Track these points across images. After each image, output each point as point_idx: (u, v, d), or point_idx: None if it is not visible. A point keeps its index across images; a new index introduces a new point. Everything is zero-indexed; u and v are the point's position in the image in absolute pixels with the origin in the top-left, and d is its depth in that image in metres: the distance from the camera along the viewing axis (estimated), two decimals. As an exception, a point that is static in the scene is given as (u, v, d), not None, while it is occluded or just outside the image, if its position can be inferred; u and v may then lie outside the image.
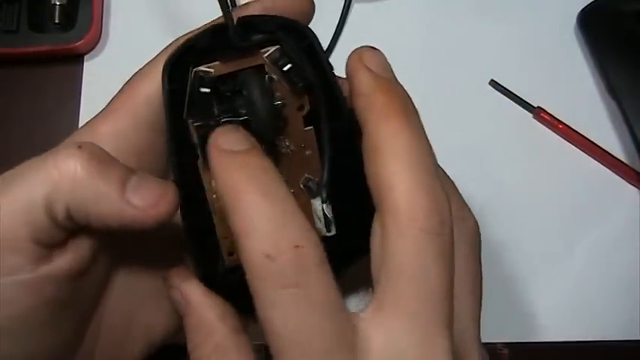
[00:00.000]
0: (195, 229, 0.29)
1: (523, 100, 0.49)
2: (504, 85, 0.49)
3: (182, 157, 0.28)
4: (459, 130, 0.49)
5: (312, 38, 0.28)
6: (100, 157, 0.26)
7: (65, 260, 0.27)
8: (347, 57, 0.27)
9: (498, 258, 0.47)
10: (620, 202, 0.48)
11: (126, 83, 0.30)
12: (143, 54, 0.30)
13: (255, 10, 0.29)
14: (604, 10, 0.49)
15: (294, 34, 0.27)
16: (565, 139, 0.49)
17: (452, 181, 0.33)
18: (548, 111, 0.49)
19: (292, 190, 0.27)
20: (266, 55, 0.27)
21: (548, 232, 0.47)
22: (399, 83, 0.27)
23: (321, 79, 0.27)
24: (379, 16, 0.51)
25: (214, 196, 0.28)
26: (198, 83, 0.27)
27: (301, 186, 0.29)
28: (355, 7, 0.51)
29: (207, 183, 0.28)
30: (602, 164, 0.49)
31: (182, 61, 0.27)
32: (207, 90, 0.27)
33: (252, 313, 0.30)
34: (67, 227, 0.26)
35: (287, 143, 0.28)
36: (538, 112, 0.49)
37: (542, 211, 0.48)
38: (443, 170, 0.28)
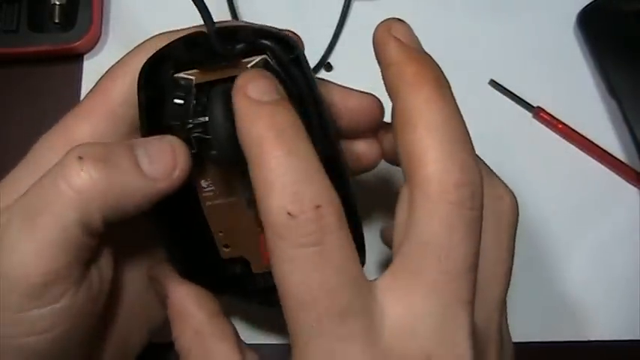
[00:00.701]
0: (181, 226, 0.29)
1: (523, 100, 0.49)
2: (504, 85, 0.49)
3: None
4: (458, 130, 0.49)
5: (299, 51, 0.26)
6: (102, 154, 0.26)
7: (96, 276, 0.27)
8: (378, 26, 0.28)
9: (498, 258, 0.47)
10: (619, 202, 0.48)
11: (98, 82, 0.29)
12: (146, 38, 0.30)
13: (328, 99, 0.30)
14: (604, 10, 0.49)
15: (280, 46, 0.26)
16: (565, 138, 0.49)
17: (485, 163, 0.32)
18: (548, 111, 0.49)
19: None
20: (250, 65, 0.26)
21: (548, 232, 0.47)
22: (429, 55, 0.27)
23: (306, 93, 0.26)
24: (379, 15, 0.51)
25: (207, 193, 0.29)
26: (175, 90, 0.26)
27: None
28: (355, 6, 0.51)
29: (200, 182, 0.28)
30: (602, 164, 0.49)
31: (160, 66, 0.26)
32: (181, 101, 0.26)
33: (253, 301, 0.31)
34: (102, 233, 0.26)
35: None
36: (538, 112, 0.49)
37: (542, 211, 0.48)
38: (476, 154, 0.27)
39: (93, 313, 0.27)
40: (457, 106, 0.25)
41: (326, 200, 0.23)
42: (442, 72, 0.26)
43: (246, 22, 0.27)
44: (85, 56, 0.49)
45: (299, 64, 0.26)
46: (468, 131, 0.26)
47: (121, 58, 0.29)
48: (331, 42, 0.50)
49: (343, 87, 0.32)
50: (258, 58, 0.26)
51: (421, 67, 0.25)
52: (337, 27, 0.50)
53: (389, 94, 0.26)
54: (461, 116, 0.25)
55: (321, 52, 0.50)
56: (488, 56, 0.50)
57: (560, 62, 0.50)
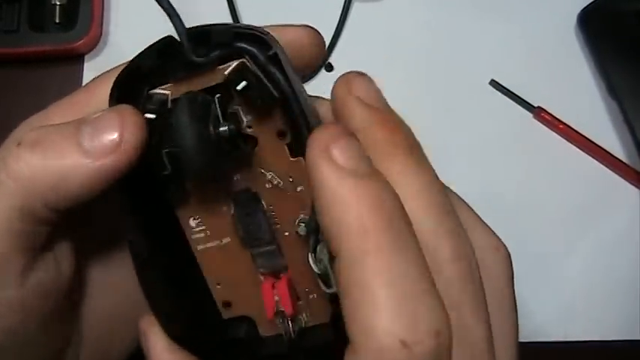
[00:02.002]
0: (170, 278, 0.25)
1: (523, 100, 0.49)
2: (505, 85, 0.49)
3: (144, 197, 0.24)
4: (459, 130, 0.49)
5: (276, 47, 0.23)
6: (40, 137, 0.24)
7: (48, 268, 0.25)
8: (336, 83, 0.24)
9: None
10: (620, 202, 0.48)
11: (68, 98, 0.27)
12: (144, 44, 0.30)
13: None
14: (604, 10, 0.49)
15: (257, 45, 0.23)
16: (565, 139, 0.49)
17: (472, 210, 0.27)
18: (549, 111, 0.49)
19: (286, 234, 0.24)
20: (227, 71, 0.23)
21: (548, 232, 0.47)
22: (395, 113, 0.24)
23: (289, 92, 0.23)
24: (379, 16, 0.51)
25: (197, 235, 0.25)
26: (146, 107, 0.23)
27: (297, 230, 0.24)
28: (356, 6, 0.51)
29: (187, 221, 0.25)
30: (603, 164, 0.49)
31: (132, 83, 0.24)
32: (152, 115, 0.23)
33: None
34: (50, 220, 0.24)
35: (270, 177, 0.24)
36: (538, 112, 0.49)
37: (543, 210, 0.48)
38: (456, 195, 0.25)
39: (45, 309, 0.26)
40: (432, 168, 0.23)
41: (444, 323, 0.19)
42: (411, 131, 0.23)
43: (218, 23, 0.24)
44: (85, 56, 0.49)
45: (277, 62, 0.23)
46: (446, 195, 0.23)
47: (99, 76, 0.26)
48: (331, 42, 0.50)
49: (277, 25, 0.27)
50: (235, 63, 0.23)
51: (391, 132, 0.22)
52: (337, 27, 0.50)
53: None
54: (439, 180, 0.23)
55: (322, 52, 0.50)
56: (489, 56, 0.50)
57: (560, 62, 0.50)
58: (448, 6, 0.51)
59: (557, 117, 0.49)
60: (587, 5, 0.50)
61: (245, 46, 0.23)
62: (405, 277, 0.19)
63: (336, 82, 0.23)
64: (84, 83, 0.48)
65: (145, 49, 0.24)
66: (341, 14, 0.50)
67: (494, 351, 0.21)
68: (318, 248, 0.22)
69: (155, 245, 0.24)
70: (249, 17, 0.50)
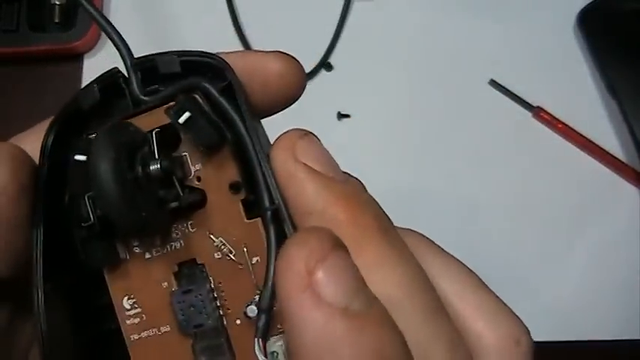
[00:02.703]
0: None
1: (523, 100, 0.49)
2: (504, 85, 0.49)
3: (63, 266, 0.20)
4: (458, 130, 0.49)
5: (230, 76, 0.19)
6: None
7: None
8: (274, 147, 0.19)
9: (497, 257, 0.47)
10: (619, 202, 0.48)
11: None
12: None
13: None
14: (604, 10, 0.49)
15: (210, 75, 0.20)
16: (564, 138, 0.49)
17: (490, 292, 0.21)
18: (548, 110, 0.49)
19: (238, 322, 0.19)
20: (174, 111, 0.19)
21: (547, 232, 0.47)
22: (353, 180, 0.19)
23: (243, 133, 0.19)
24: (379, 16, 0.51)
25: (132, 320, 0.20)
26: (75, 150, 0.20)
27: (248, 314, 0.19)
28: (355, 6, 0.51)
29: (121, 300, 0.20)
30: (602, 164, 0.49)
31: (71, 126, 0.20)
32: (82, 157, 0.19)
33: None
34: None
35: (219, 244, 0.20)
36: (538, 112, 0.49)
37: (542, 210, 0.48)
38: (460, 263, 0.20)
39: None
40: (405, 246, 0.18)
41: None
42: (374, 201, 0.19)
43: (165, 52, 0.21)
44: (84, 56, 0.49)
45: (231, 93, 0.19)
46: (431, 284, 0.18)
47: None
48: (331, 42, 0.50)
49: (249, 52, 0.23)
50: (181, 97, 0.19)
51: (352, 211, 0.17)
52: (337, 27, 0.50)
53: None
54: (420, 265, 0.18)
55: (322, 52, 0.50)
56: (488, 56, 0.50)
57: (560, 62, 0.50)
58: (447, 6, 0.51)
59: (557, 117, 0.49)
60: (587, 5, 0.50)
61: (196, 79, 0.19)
62: None
63: (274, 146, 0.19)
64: (83, 83, 0.48)
65: (88, 85, 0.20)
66: (341, 14, 0.50)
67: None
68: (272, 339, 0.18)
69: (76, 329, 0.20)
70: (249, 17, 0.50)
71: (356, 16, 0.51)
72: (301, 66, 0.22)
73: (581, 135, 0.48)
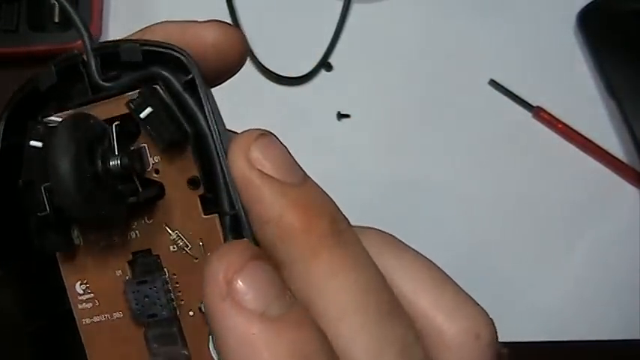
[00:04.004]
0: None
1: (522, 100, 0.49)
2: (504, 85, 0.49)
3: (17, 250, 0.20)
4: (458, 130, 0.49)
5: (194, 70, 0.19)
6: None
7: None
8: (229, 150, 0.18)
9: (498, 258, 0.47)
10: (619, 202, 0.48)
11: None
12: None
13: (157, 36, 0.20)
14: (603, 10, 0.49)
15: (172, 67, 0.19)
16: (564, 138, 0.49)
17: (451, 281, 0.20)
18: (548, 110, 0.49)
19: (191, 313, 0.20)
20: (131, 100, 0.19)
21: (547, 232, 0.47)
22: (310, 182, 0.19)
23: (204, 127, 0.19)
24: (379, 17, 0.51)
25: (84, 304, 0.20)
26: (34, 134, 0.19)
27: (201, 308, 0.20)
28: (355, 8, 0.51)
29: (74, 284, 0.20)
30: (602, 164, 0.49)
31: (26, 108, 0.20)
32: (37, 144, 0.19)
33: None
34: None
35: (175, 237, 0.20)
36: (537, 112, 0.49)
37: (542, 210, 0.48)
38: (424, 259, 0.20)
39: None
40: (362, 248, 0.18)
41: None
42: (334, 205, 0.19)
43: (130, 39, 0.20)
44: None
45: (194, 87, 0.19)
46: (387, 286, 0.18)
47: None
48: (331, 43, 0.50)
49: (184, 22, 0.22)
50: (143, 89, 0.19)
51: (309, 217, 0.18)
52: (337, 27, 0.50)
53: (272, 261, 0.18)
54: (374, 265, 0.18)
55: (321, 53, 0.50)
56: (488, 56, 0.50)
57: (559, 62, 0.50)
58: (447, 6, 0.51)
59: (556, 116, 0.49)
60: (587, 5, 0.50)
61: (158, 70, 0.19)
62: None
63: (229, 149, 0.18)
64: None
65: (48, 66, 0.20)
66: (340, 15, 0.50)
67: None
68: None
69: (27, 311, 0.20)
70: (249, 18, 0.50)
71: (356, 16, 0.51)
72: (241, 34, 0.22)
73: (580, 135, 0.49)
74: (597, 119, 0.49)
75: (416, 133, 0.49)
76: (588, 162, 0.49)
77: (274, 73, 0.49)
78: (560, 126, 0.49)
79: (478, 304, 0.20)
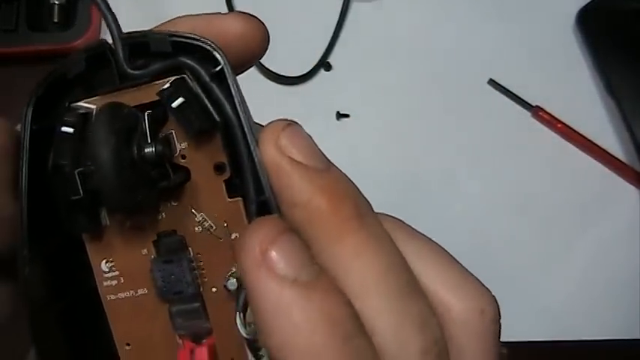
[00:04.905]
0: (68, 334, 0.21)
1: (522, 99, 0.49)
2: (503, 84, 0.49)
3: (47, 229, 0.21)
4: (457, 129, 0.49)
5: (222, 62, 0.20)
6: None
7: None
8: (260, 138, 0.19)
9: (497, 258, 0.47)
10: (619, 202, 0.48)
11: None
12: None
13: (182, 29, 0.21)
14: (603, 10, 0.49)
15: (200, 58, 0.20)
16: (564, 138, 0.49)
17: (458, 263, 0.22)
18: (547, 110, 0.49)
19: (214, 290, 0.21)
20: (163, 87, 0.20)
21: (547, 232, 0.47)
22: (334, 169, 0.20)
23: (233, 118, 0.20)
24: (378, 16, 0.51)
25: (109, 282, 0.21)
26: (65, 120, 0.20)
27: (226, 284, 0.21)
28: (354, 7, 0.51)
29: (99, 263, 0.21)
30: (601, 163, 0.49)
31: (55, 94, 0.21)
32: (69, 130, 0.20)
33: None
34: None
35: (200, 219, 0.20)
36: (537, 111, 0.49)
37: (541, 210, 0.48)
38: (425, 240, 0.21)
39: None
40: (385, 231, 0.20)
41: None
42: (356, 189, 0.20)
43: (158, 30, 0.21)
44: (84, 56, 0.49)
45: (222, 79, 0.20)
46: (407, 266, 0.20)
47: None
48: (330, 42, 0.50)
49: (210, 14, 0.23)
50: (173, 79, 0.20)
51: (336, 202, 0.19)
52: (336, 27, 0.50)
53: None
54: (395, 248, 0.20)
55: (320, 52, 0.50)
56: (487, 56, 0.50)
57: (559, 62, 0.50)
58: (447, 6, 0.51)
59: (556, 116, 0.49)
60: (586, 5, 0.50)
61: (187, 60, 0.20)
62: None
63: (260, 137, 0.19)
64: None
65: (75, 53, 0.20)
66: (339, 14, 0.50)
67: None
68: (250, 310, 0.19)
69: (55, 290, 0.21)
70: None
71: (355, 15, 0.51)
72: (263, 25, 0.23)
73: (580, 134, 0.49)
74: (596, 119, 0.49)
75: (415, 132, 0.49)
76: (588, 161, 0.49)
77: (273, 73, 0.49)
78: (559, 125, 0.49)
79: (483, 284, 0.21)
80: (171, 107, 0.19)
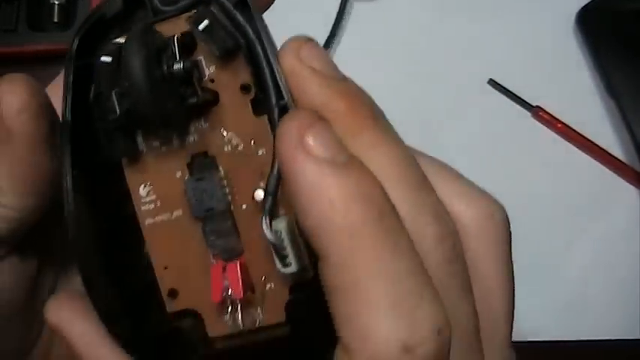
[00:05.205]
0: (110, 263, 0.22)
1: (522, 100, 0.49)
2: (503, 85, 0.49)
3: (87, 160, 0.22)
4: (458, 129, 0.49)
5: None
6: None
7: (17, 263, 0.25)
8: (281, 50, 0.21)
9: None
10: (618, 202, 0.48)
11: None
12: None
13: None
14: (602, 10, 0.49)
15: None
16: (564, 138, 0.49)
17: (449, 170, 0.24)
18: (547, 110, 0.49)
19: (244, 207, 0.22)
20: (191, 17, 0.21)
21: (547, 232, 0.47)
22: (350, 79, 0.22)
23: (258, 45, 0.21)
24: (378, 16, 0.51)
25: (147, 206, 0.22)
26: (102, 53, 0.21)
27: (253, 195, 0.22)
28: (354, 7, 0.51)
29: (137, 188, 0.22)
30: (601, 163, 0.49)
31: (94, 31, 0.22)
32: (108, 59, 0.21)
33: None
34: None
35: (229, 137, 0.22)
36: (537, 111, 0.49)
37: (541, 210, 0.48)
38: (432, 158, 0.23)
39: (9, 302, 0.25)
40: (400, 137, 0.21)
41: (444, 319, 0.18)
42: (371, 98, 0.21)
43: None
44: (84, 56, 0.49)
45: (246, 8, 0.21)
46: (418, 164, 0.21)
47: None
48: (327, 40, 0.50)
49: None
50: (200, 8, 0.21)
51: (352, 103, 0.20)
52: (333, 27, 0.50)
53: None
54: (408, 149, 0.21)
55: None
56: (488, 56, 0.50)
57: (559, 62, 0.50)
58: (447, 6, 0.51)
59: (556, 116, 0.49)
60: (586, 5, 0.50)
61: None
62: (402, 274, 0.17)
63: (281, 49, 0.21)
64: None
65: None
66: (337, 13, 0.50)
67: (479, 331, 0.20)
68: (277, 219, 0.20)
69: (96, 217, 0.22)
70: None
71: (354, 15, 0.51)
72: None
73: (580, 134, 0.49)
74: (597, 119, 0.49)
75: (415, 132, 0.49)
76: (587, 161, 0.49)
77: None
78: (559, 125, 0.49)
79: (491, 195, 0.23)
80: (198, 30, 0.21)
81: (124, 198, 0.22)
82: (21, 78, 0.23)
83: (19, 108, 0.22)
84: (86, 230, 0.22)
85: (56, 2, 0.47)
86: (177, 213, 0.22)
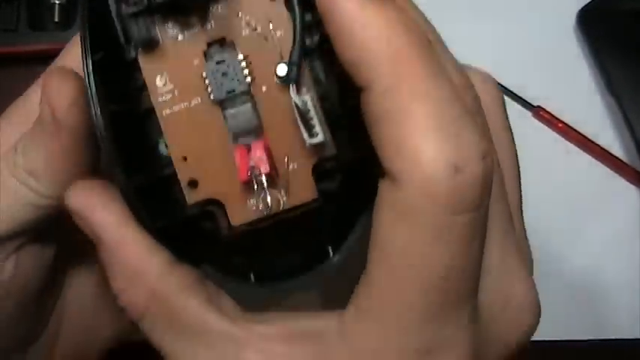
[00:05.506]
0: (129, 154, 0.22)
1: (522, 99, 0.49)
2: (504, 84, 0.49)
3: (103, 57, 0.22)
4: (458, 129, 0.49)
5: None
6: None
7: (33, 254, 0.26)
8: None
9: (498, 257, 0.47)
10: (619, 201, 0.48)
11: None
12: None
13: None
14: (603, 9, 0.49)
15: None
16: (565, 137, 0.49)
17: (448, 51, 0.24)
18: (548, 110, 0.49)
19: (264, 88, 0.21)
20: None
21: (547, 232, 0.47)
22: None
23: None
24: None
25: (164, 97, 0.22)
26: None
27: (275, 79, 0.21)
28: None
29: (154, 79, 0.22)
30: (602, 163, 0.49)
31: None
32: None
33: (228, 272, 0.23)
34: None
35: (247, 20, 0.22)
36: (538, 111, 0.49)
37: (542, 210, 0.48)
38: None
39: (24, 291, 0.26)
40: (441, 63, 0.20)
41: (489, 145, 0.18)
42: (420, 12, 0.22)
43: None
44: (84, 55, 0.49)
45: None
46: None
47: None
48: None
49: None
50: None
51: (406, 38, 0.19)
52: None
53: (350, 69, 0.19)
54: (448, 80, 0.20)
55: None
56: (488, 55, 0.50)
57: (560, 61, 0.50)
58: (447, 6, 0.51)
59: (557, 116, 0.49)
60: (586, 4, 0.50)
61: None
62: (447, 100, 0.17)
63: None
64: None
65: None
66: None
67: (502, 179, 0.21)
68: (303, 90, 0.20)
69: (118, 115, 0.22)
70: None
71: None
72: None
73: (581, 134, 0.48)
74: (597, 118, 0.49)
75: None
76: (588, 161, 0.49)
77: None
78: (560, 125, 0.49)
79: (484, 71, 0.24)
80: None
81: (139, 93, 0.22)
82: (72, 72, 0.23)
83: (71, 102, 0.23)
84: (107, 122, 0.21)
85: (57, 2, 0.47)
86: (196, 101, 0.22)
